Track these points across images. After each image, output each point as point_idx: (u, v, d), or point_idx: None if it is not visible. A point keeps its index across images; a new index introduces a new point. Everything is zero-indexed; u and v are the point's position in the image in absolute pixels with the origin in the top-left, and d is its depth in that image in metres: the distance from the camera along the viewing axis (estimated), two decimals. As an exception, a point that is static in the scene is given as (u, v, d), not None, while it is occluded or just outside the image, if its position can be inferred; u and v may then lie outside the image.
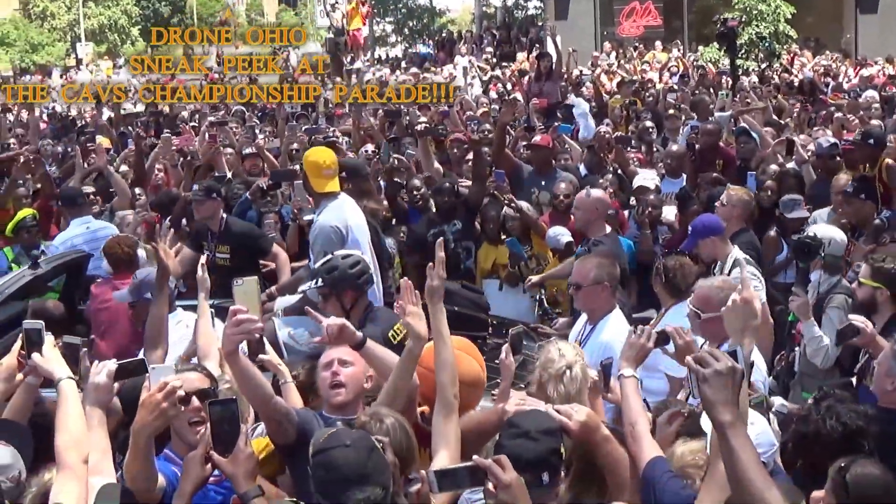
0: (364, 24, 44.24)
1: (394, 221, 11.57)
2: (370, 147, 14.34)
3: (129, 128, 18.91)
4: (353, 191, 9.42)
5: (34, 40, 74.01)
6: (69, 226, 11.02)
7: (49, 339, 4.95)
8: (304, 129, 16.41)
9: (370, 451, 4.21)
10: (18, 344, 4.96)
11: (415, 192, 11.53)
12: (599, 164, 13.64)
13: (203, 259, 7.15)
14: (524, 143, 13.56)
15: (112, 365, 4.82)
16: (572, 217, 10.42)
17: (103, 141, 16.21)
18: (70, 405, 4.64)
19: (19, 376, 5.03)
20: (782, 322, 8.61)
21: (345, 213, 8.60)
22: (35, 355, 4.86)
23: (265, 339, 5.77)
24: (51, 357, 4.89)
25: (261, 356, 5.74)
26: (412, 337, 5.36)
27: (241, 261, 9.54)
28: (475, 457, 4.31)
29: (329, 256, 7.59)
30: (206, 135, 16.09)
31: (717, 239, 8.77)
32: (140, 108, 28.84)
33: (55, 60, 73.82)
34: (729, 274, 8.40)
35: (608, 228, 9.62)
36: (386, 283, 9.29)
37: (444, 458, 4.77)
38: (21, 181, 12.41)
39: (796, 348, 8.34)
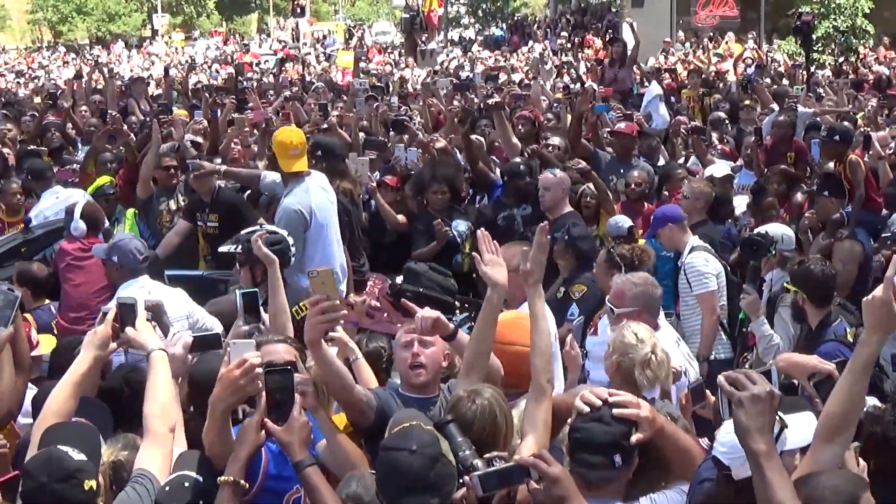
0: (440, 5, 44.28)
1: (471, 198, 11.62)
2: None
3: (207, 95, 18.92)
4: (327, 170, 9.46)
5: (111, 10, 74.76)
6: (40, 199, 11.05)
7: (141, 312, 5.03)
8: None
9: (434, 461, 4.16)
10: (112, 314, 4.99)
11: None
12: (671, 152, 13.60)
13: (259, 233, 7.18)
14: (607, 129, 13.51)
15: (188, 337, 4.93)
16: (646, 205, 10.51)
17: (180, 112, 16.36)
18: (160, 375, 4.76)
19: (113, 345, 5.10)
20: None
21: (309, 196, 8.67)
22: (129, 328, 4.94)
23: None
24: (143, 329, 4.97)
25: (331, 333, 5.81)
26: (490, 285, 5.31)
27: (229, 230, 9.55)
28: (517, 455, 4.34)
29: (255, 228, 7.76)
30: (279, 111, 16.30)
31: (675, 227, 8.98)
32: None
33: (131, 31, 74.60)
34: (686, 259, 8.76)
35: (568, 207, 9.86)
36: (359, 262, 9.50)
37: (532, 442, 4.73)
38: (101, 146, 12.56)
39: (755, 349, 8.28)
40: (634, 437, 4.28)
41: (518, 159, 11.31)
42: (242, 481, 4.37)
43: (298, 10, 60.56)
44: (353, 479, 4.51)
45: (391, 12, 77.40)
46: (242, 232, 7.79)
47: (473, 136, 12.21)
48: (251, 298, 6.05)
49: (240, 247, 7.47)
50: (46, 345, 6.78)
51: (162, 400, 4.66)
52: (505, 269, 5.34)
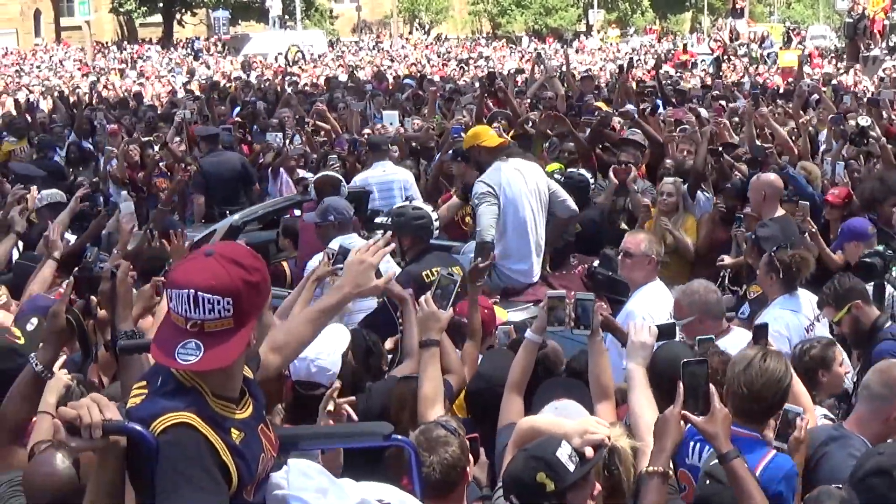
0: (888, 11, 42.33)
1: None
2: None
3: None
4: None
5: (548, 4, 76.70)
6: (373, 167, 12.00)
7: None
8: (831, 117, 15.87)
9: None
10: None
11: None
12: None
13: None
14: None
15: (654, 328, 5.12)
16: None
17: (601, 105, 16.62)
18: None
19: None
20: None
21: (500, 175, 9.20)
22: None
23: None
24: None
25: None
26: None
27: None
28: None
29: (405, 203, 8.84)
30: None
31: (860, 244, 8.84)
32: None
33: (567, 25, 76.22)
34: None
35: (780, 211, 9.65)
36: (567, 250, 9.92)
37: None
38: (543, 130, 12.93)
39: None
40: None
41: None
42: (670, 472, 4.33)
43: (738, 11, 59.77)
44: (823, 494, 4.38)
45: (830, 15, 74.89)
46: (394, 207, 9.17)
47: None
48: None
49: (387, 219, 8.56)
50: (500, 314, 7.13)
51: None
52: None
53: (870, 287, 7.57)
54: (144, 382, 3.48)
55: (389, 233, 5.24)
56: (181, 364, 3.30)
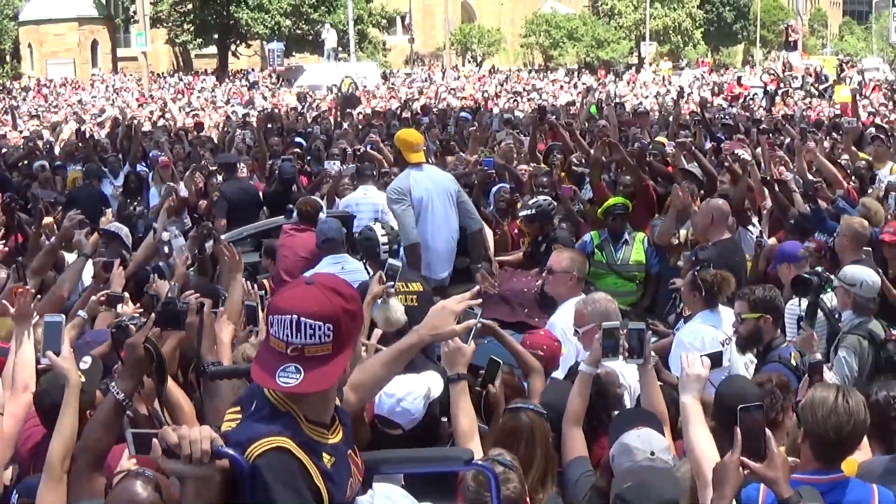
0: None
1: None
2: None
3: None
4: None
5: (600, 36, 76.85)
6: (356, 190, 13.08)
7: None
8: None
9: None
10: None
11: None
12: None
13: None
14: None
15: (706, 360, 5.14)
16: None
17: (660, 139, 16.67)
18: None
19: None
20: None
21: (408, 181, 10.20)
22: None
23: None
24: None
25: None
26: None
27: None
28: None
29: (368, 225, 9.28)
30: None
31: (792, 265, 9.25)
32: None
33: (618, 57, 76.26)
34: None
35: (727, 234, 9.95)
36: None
37: None
38: (598, 157, 13.00)
39: None
40: None
41: None
42: None
43: (791, 44, 59.52)
44: None
45: (884, 48, 74.46)
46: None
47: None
48: None
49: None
50: None
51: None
52: None
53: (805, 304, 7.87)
54: (238, 408, 3.61)
55: (478, 286, 5.32)
56: (281, 386, 3.42)
